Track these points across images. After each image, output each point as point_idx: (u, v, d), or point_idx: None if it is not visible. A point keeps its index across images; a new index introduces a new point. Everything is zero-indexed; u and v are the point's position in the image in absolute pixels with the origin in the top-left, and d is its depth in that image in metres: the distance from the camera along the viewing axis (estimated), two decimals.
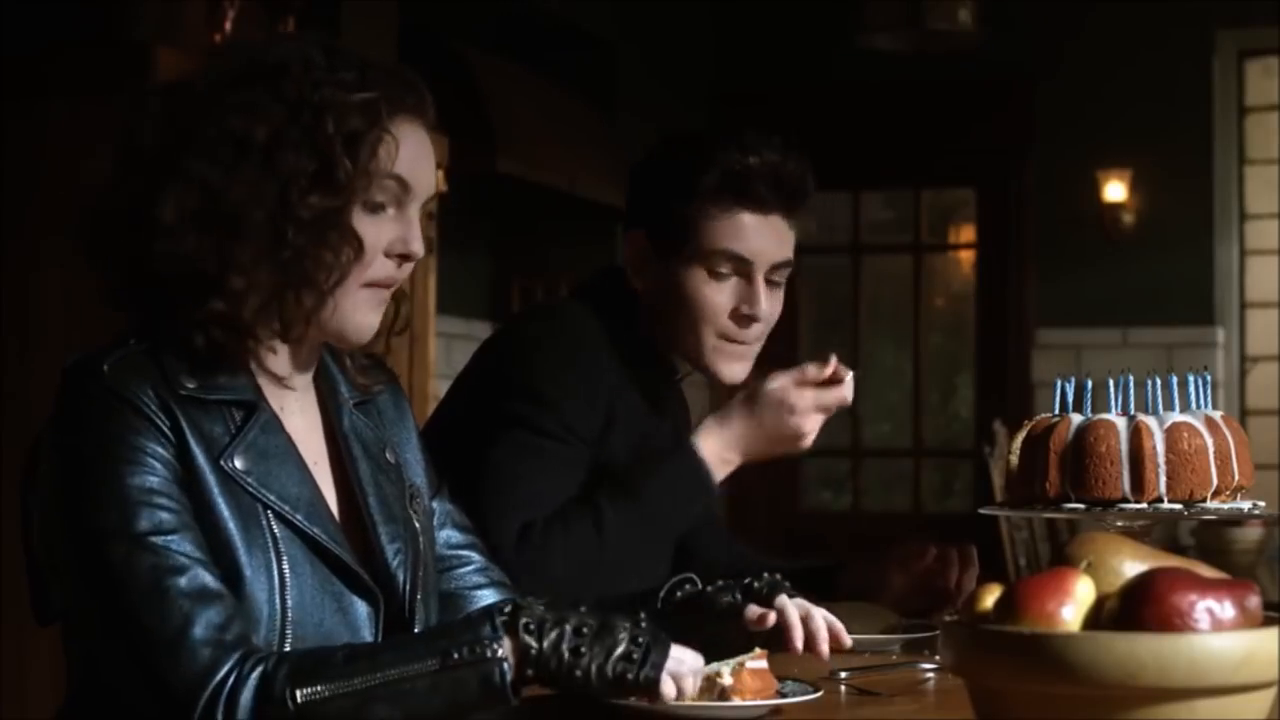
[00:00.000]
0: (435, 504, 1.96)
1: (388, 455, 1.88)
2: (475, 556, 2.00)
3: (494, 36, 6.11)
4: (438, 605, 1.90)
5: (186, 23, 3.76)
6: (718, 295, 2.39)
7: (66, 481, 1.67)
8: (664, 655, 1.64)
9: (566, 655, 1.63)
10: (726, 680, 1.68)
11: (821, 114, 7.07)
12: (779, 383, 2.34)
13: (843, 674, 1.93)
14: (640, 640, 1.64)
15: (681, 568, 2.20)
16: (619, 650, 1.63)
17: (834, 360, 2.34)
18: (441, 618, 1.92)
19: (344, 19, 4.64)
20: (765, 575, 1.96)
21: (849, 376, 2.35)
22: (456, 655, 1.62)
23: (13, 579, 1.85)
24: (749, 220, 2.38)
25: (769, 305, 2.40)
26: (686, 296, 2.39)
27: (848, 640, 1.90)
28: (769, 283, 2.40)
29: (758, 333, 2.42)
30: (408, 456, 1.93)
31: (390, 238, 1.75)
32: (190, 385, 1.69)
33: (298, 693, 1.60)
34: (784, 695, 1.73)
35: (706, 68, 7.30)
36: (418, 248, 1.76)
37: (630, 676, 1.63)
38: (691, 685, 1.68)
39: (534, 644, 1.63)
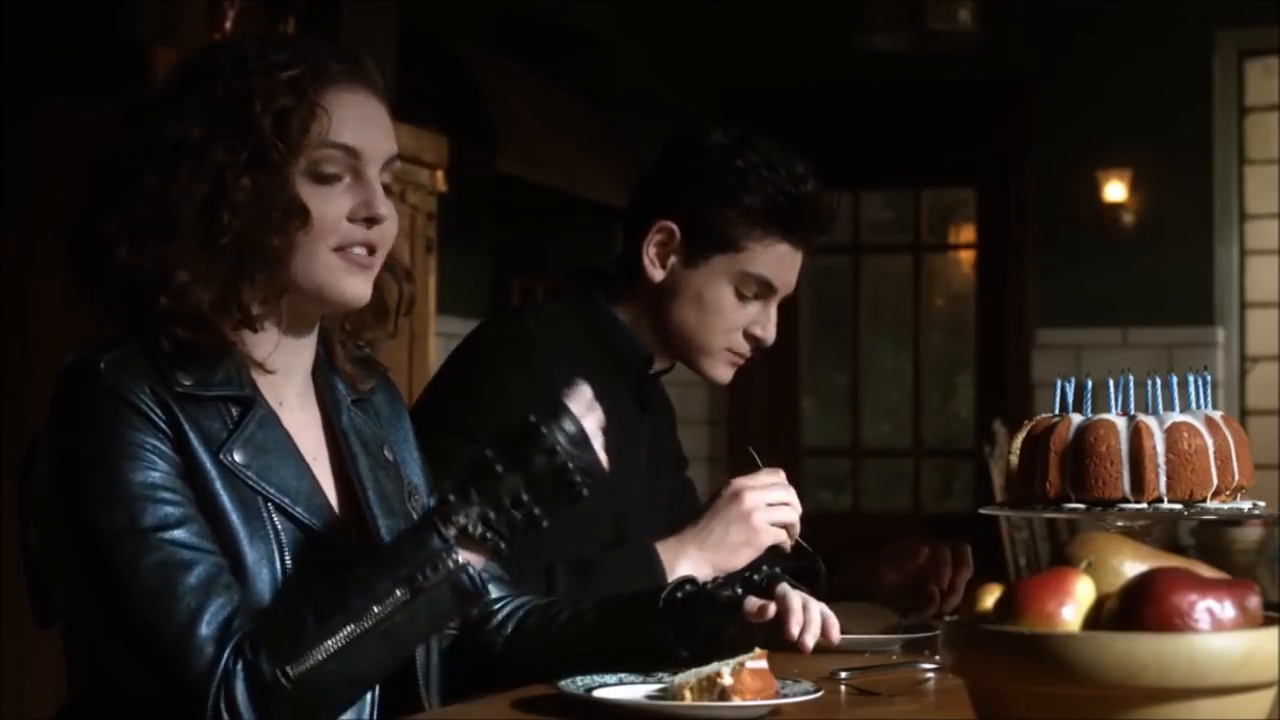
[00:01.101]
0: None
1: (386, 453, 1.89)
2: None
3: (494, 36, 6.11)
4: None
5: (186, 23, 3.76)
6: (739, 314, 2.42)
7: (67, 482, 1.67)
8: (572, 432, 1.70)
9: (520, 518, 1.67)
10: (726, 680, 1.68)
11: (821, 114, 7.06)
12: (732, 486, 2.32)
13: (843, 674, 1.93)
14: (548, 445, 1.68)
15: None
16: (543, 469, 1.68)
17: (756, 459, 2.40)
18: None
19: (344, 19, 4.64)
20: (764, 568, 1.97)
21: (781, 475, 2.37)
22: (421, 578, 1.64)
23: (13, 579, 1.86)
24: (787, 252, 2.42)
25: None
26: (708, 304, 2.41)
27: (836, 637, 1.91)
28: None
29: (754, 350, 2.47)
30: (405, 455, 1.94)
31: (351, 204, 1.77)
32: (187, 382, 1.71)
33: (288, 669, 1.60)
34: (784, 695, 1.73)
35: (706, 67, 7.30)
36: (381, 209, 1.77)
37: (569, 479, 1.69)
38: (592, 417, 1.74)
39: (489, 534, 1.66)
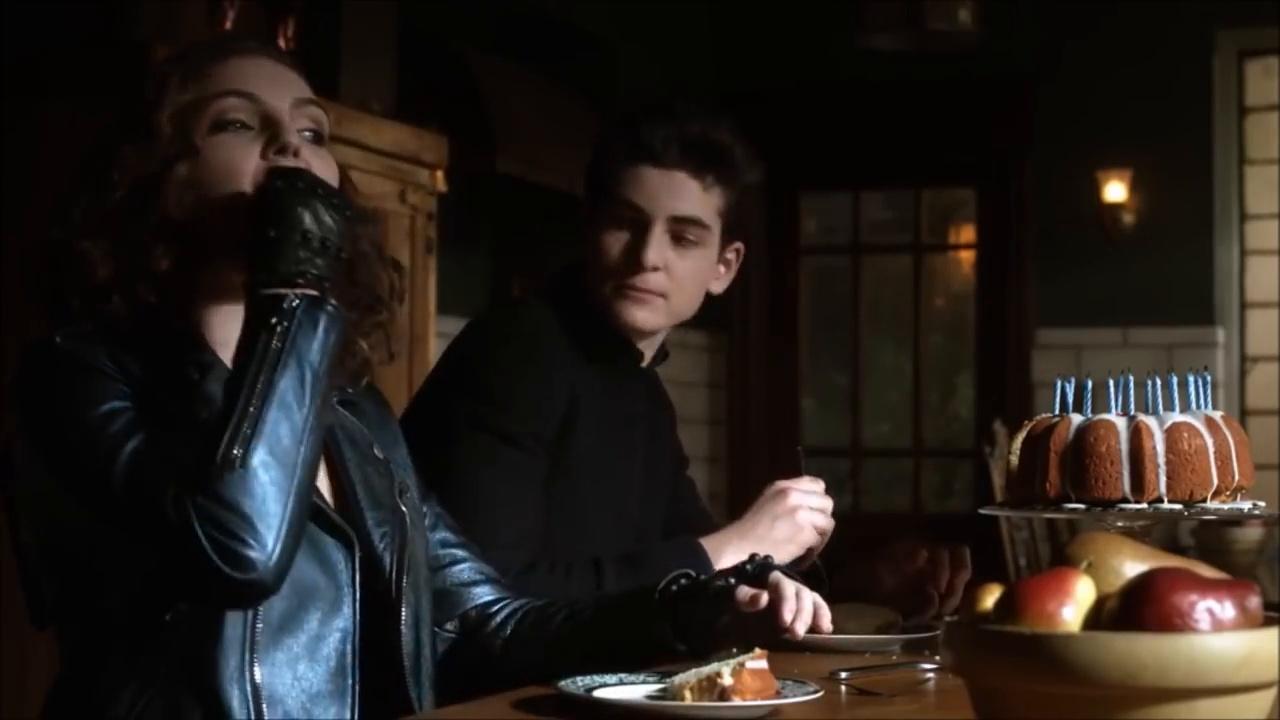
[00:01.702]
0: (426, 507, 1.98)
1: (375, 451, 1.90)
2: (468, 555, 2.04)
3: (494, 36, 6.11)
4: (431, 600, 1.91)
5: (186, 23, 3.76)
6: (613, 242, 2.43)
7: (48, 438, 1.70)
8: (302, 180, 1.72)
9: (317, 246, 1.68)
10: (726, 680, 1.68)
11: (821, 114, 7.06)
12: (777, 485, 2.39)
13: (843, 674, 1.93)
14: (299, 196, 1.71)
15: None
16: (308, 213, 1.69)
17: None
18: (438, 614, 1.93)
19: (344, 19, 4.64)
20: (756, 557, 1.97)
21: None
22: (279, 326, 1.65)
23: (13, 579, 1.86)
24: (645, 171, 2.43)
25: (662, 255, 2.42)
26: (590, 248, 2.44)
27: (827, 625, 1.91)
28: (677, 240, 2.43)
29: (655, 283, 2.42)
30: (395, 456, 1.94)
31: (261, 145, 1.78)
32: (141, 352, 1.73)
33: (232, 459, 1.60)
34: (784, 695, 1.73)
35: (706, 67, 7.30)
36: (290, 139, 1.79)
37: (332, 205, 1.71)
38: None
39: (308, 269, 1.68)
